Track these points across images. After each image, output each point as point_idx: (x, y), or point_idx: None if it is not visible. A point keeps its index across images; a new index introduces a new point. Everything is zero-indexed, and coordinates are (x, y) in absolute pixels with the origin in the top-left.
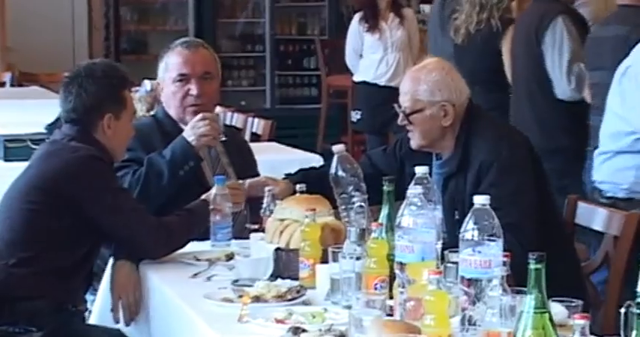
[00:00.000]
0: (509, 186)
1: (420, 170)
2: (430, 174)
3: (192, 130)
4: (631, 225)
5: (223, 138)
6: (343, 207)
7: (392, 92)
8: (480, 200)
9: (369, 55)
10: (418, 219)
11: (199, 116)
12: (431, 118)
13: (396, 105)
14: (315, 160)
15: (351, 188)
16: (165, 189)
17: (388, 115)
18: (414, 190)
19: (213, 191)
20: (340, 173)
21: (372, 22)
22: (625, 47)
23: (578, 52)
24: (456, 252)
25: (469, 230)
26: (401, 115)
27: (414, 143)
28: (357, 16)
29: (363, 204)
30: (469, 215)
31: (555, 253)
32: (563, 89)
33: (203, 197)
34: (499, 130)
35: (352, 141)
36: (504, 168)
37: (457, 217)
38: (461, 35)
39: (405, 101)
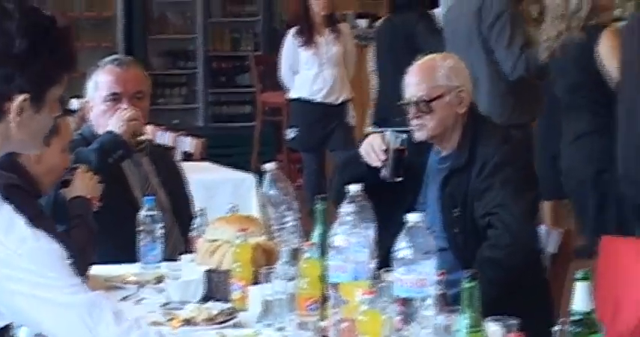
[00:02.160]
0: (515, 185)
1: (353, 188)
2: (423, 169)
3: (117, 120)
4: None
5: (147, 137)
6: (275, 226)
7: (328, 109)
8: (414, 218)
9: (304, 70)
10: (351, 238)
11: (123, 106)
12: (449, 105)
13: (407, 100)
14: (249, 179)
15: (283, 207)
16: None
17: (324, 132)
18: (347, 209)
19: (142, 212)
20: (272, 192)
21: (307, 37)
22: None
23: None
24: (390, 270)
25: (403, 248)
26: (415, 106)
27: (426, 133)
28: (291, 31)
29: (295, 223)
30: (402, 233)
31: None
32: None
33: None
34: (503, 129)
35: (287, 159)
36: (510, 166)
37: (456, 214)
38: (544, 50)
39: (420, 90)
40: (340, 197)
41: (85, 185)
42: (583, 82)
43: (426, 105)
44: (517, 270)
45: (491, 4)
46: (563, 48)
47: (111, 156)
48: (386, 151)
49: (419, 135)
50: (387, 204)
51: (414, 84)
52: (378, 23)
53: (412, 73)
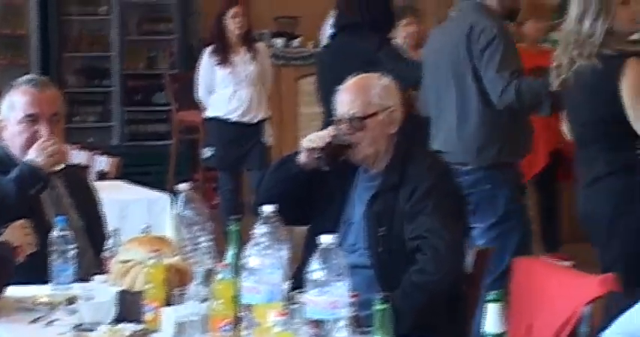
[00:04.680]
0: (447, 211)
1: (267, 209)
2: (347, 186)
3: (39, 151)
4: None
5: (63, 166)
6: (189, 247)
7: (244, 128)
8: (327, 239)
9: (220, 89)
10: (265, 259)
11: (45, 137)
12: (382, 123)
13: (339, 117)
14: (164, 199)
15: (197, 228)
16: (13, 210)
17: (241, 151)
18: (260, 230)
19: (54, 233)
20: (186, 212)
21: (224, 56)
22: None
23: None
24: (303, 292)
25: (316, 270)
26: (348, 123)
27: (360, 153)
28: (207, 50)
29: (209, 244)
30: (316, 255)
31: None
32: None
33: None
34: (433, 153)
35: (204, 178)
36: (443, 192)
37: (382, 233)
38: (555, 79)
39: (354, 107)
40: (268, 200)
41: (16, 234)
42: (600, 117)
43: (359, 122)
44: (442, 295)
45: (480, 30)
46: (576, 77)
47: (31, 189)
48: (329, 142)
49: (355, 155)
50: (312, 218)
51: (348, 101)
52: (322, 47)
53: (346, 91)
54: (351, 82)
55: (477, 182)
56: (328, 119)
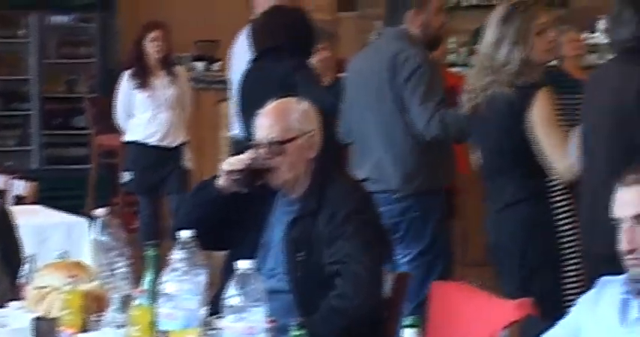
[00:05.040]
0: (366, 237)
1: (185, 234)
2: (266, 211)
3: None
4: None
5: None
6: (106, 272)
7: (163, 152)
8: (244, 265)
9: (139, 113)
10: (182, 284)
11: None
12: (301, 148)
13: (258, 141)
14: (82, 224)
15: (114, 253)
16: None
17: (160, 176)
18: (177, 255)
19: None
20: (103, 238)
21: (143, 80)
22: None
23: None
24: (221, 318)
25: (233, 296)
26: (267, 148)
27: (279, 178)
28: (126, 74)
29: (126, 270)
30: (233, 280)
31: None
32: None
33: None
34: (352, 179)
35: (123, 202)
36: (362, 217)
37: (300, 258)
38: (467, 102)
39: (273, 132)
40: (187, 225)
41: None
42: (511, 145)
43: (278, 146)
44: (362, 320)
45: (404, 59)
46: (489, 104)
47: None
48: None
49: (274, 180)
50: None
51: (267, 126)
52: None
53: (266, 115)
54: (270, 107)
55: (407, 209)
56: (245, 143)
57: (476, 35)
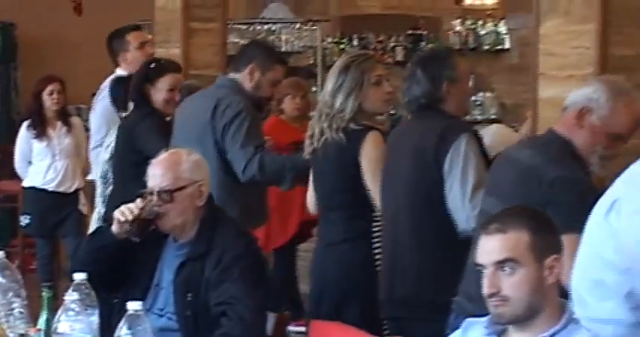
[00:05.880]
0: (250, 279)
1: (79, 276)
2: (158, 253)
3: None
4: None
5: None
6: (2, 312)
7: (61, 197)
8: (134, 306)
9: (37, 161)
10: (75, 324)
11: None
12: (190, 196)
13: (149, 189)
14: None
15: (11, 294)
16: None
17: (57, 219)
18: (71, 297)
19: None
20: (1, 279)
21: (40, 130)
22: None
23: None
24: None
25: (123, 335)
26: (158, 196)
27: (168, 223)
28: (25, 124)
29: (22, 310)
30: (123, 320)
31: None
32: (467, 221)
33: None
34: (237, 223)
35: (22, 244)
36: (248, 260)
37: (190, 299)
38: (307, 147)
39: (164, 180)
40: (83, 267)
41: None
42: (341, 187)
43: (168, 195)
44: None
45: (227, 105)
46: (324, 148)
47: None
48: (138, 215)
49: (163, 225)
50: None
51: (159, 175)
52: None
53: (157, 165)
54: (162, 157)
55: None
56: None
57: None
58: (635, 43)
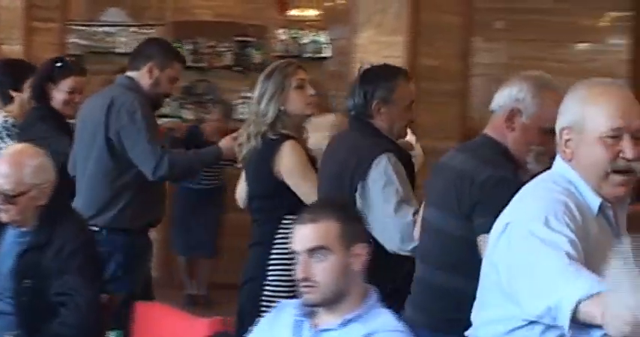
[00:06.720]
0: (88, 273)
1: None
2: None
3: None
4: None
5: None
6: None
7: None
8: None
9: None
10: None
11: None
12: (32, 198)
13: None
14: None
15: None
16: None
17: None
18: None
19: None
20: None
21: None
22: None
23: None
24: None
25: None
26: (1, 197)
27: (7, 219)
28: None
29: None
30: None
31: None
32: (402, 241)
33: None
34: (80, 219)
35: None
36: (87, 254)
37: (27, 285)
38: (238, 153)
39: (6, 184)
40: None
41: None
42: (259, 192)
43: (10, 198)
44: None
45: (121, 104)
46: (250, 153)
47: None
48: None
49: (5, 218)
50: None
51: (3, 175)
52: None
53: (2, 163)
54: (7, 155)
55: (98, 243)
56: None
57: None
58: (442, 55)
